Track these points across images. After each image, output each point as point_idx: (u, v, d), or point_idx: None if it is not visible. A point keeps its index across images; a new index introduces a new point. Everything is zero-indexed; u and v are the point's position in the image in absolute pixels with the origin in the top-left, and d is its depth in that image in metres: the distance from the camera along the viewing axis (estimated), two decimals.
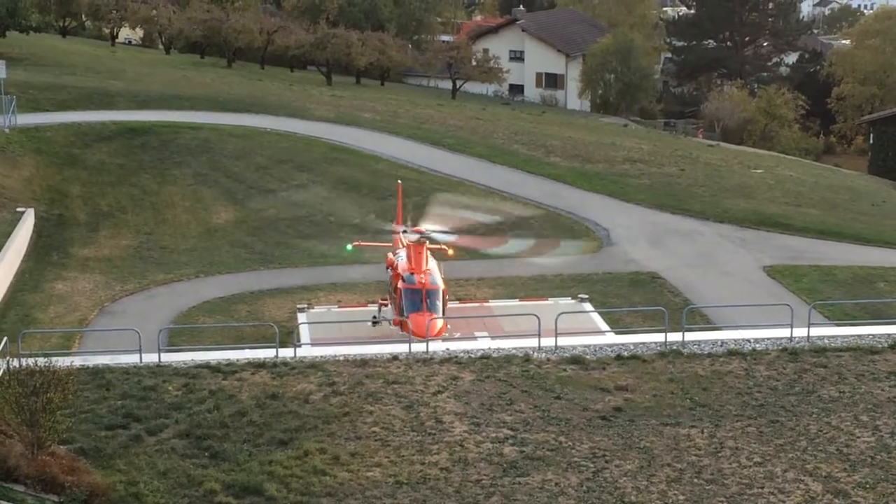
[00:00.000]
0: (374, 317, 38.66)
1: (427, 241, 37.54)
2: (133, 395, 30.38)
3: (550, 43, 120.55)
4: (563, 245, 50.18)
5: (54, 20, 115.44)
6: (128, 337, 34.41)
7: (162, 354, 33.36)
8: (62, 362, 27.96)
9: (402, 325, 35.72)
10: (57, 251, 47.69)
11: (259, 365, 32.58)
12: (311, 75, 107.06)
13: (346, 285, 43.80)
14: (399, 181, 44.89)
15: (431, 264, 37.08)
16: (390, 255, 39.26)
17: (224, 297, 42.37)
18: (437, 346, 34.35)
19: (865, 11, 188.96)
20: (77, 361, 31.95)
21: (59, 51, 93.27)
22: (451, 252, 39.22)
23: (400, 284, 36.08)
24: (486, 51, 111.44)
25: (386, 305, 38.27)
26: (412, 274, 36.10)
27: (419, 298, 35.54)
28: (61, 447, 27.15)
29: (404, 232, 38.68)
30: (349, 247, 42.38)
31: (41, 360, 27.04)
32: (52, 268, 45.56)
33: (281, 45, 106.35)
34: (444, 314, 35.95)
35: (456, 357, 33.48)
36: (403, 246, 38.44)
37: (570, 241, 50.54)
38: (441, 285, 36.36)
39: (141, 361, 32.81)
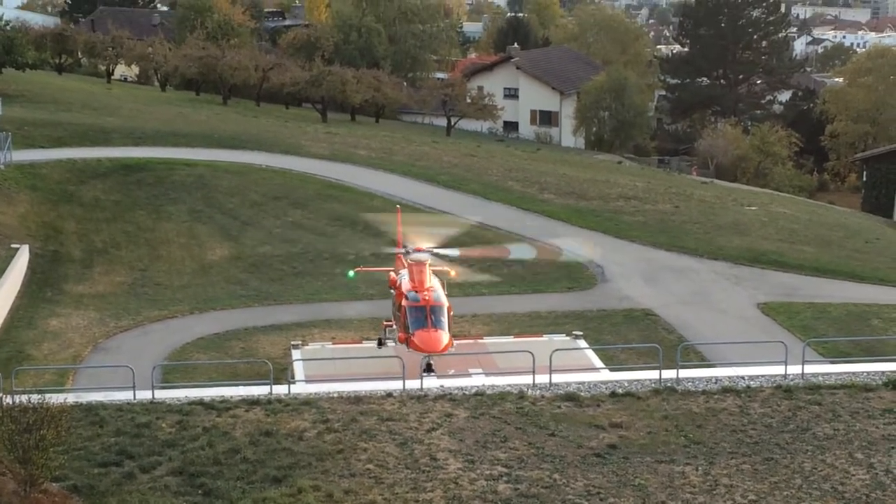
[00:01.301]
0: (380, 338, 38.92)
1: (429, 260, 37.62)
2: (126, 432, 30.29)
3: (545, 80, 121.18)
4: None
5: (50, 57, 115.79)
6: (121, 373, 34.36)
7: (156, 391, 33.26)
8: (55, 399, 27.88)
9: (407, 341, 35.76)
10: (51, 288, 47.66)
11: (253, 402, 32.50)
12: (306, 112, 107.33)
13: (340, 322, 43.80)
14: (398, 206, 44.90)
15: (434, 282, 37.17)
16: (393, 274, 39.33)
17: (218, 333, 42.33)
18: (431, 383, 34.34)
19: (858, 50, 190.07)
20: (70, 398, 31.86)
21: (54, 88, 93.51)
22: (454, 273, 39.29)
23: (404, 302, 36.13)
24: (480, 88, 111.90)
25: (391, 326, 38.42)
26: (415, 291, 36.17)
27: (423, 315, 35.57)
28: (54, 484, 27.03)
29: (406, 252, 38.79)
30: (351, 273, 42.63)
31: (34, 397, 26.96)
32: (46, 304, 45.52)
33: (276, 82, 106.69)
34: (449, 330, 36.02)
35: (450, 394, 33.45)
36: (406, 266, 38.59)
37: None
38: (445, 302, 36.40)
39: (134, 398, 32.74)
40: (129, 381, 32.97)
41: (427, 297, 35.92)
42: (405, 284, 36.94)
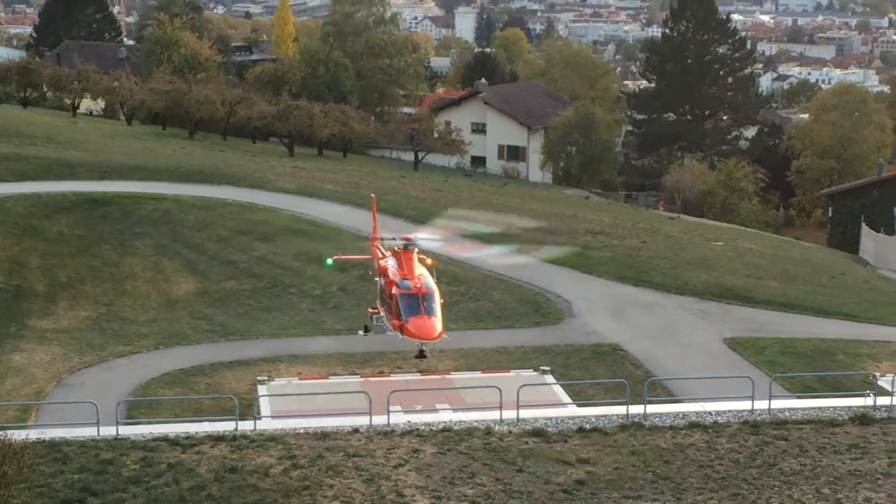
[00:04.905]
0: (366, 326, 39.84)
1: (416, 248, 37.94)
2: (90, 469, 29.99)
3: (512, 115, 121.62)
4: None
5: (15, 91, 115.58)
6: (85, 409, 34.02)
7: (120, 427, 32.99)
8: (18, 435, 27.61)
9: (401, 329, 36.22)
10: (14, 322, 47.26)
11: (218, 438, 32.27)
12: (273, 146, 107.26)
13: (306, 357, 43.56)
14: (372, 195, 44.73)
15: (423, 270, 37.61)
16: (382, 262, 39.49)
17: (184, 368, 42.02)
18: (398, 419, 34.22)
19: (823, 86, 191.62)
20: (33, 434, 31.57)
21: (19, 121, 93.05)
22: (430, 261, 39.48)
23: (394, 290, 36.57)
24: (448, 123, 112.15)
25: (378, 314, 38.73)
26: (406, 279, 36.50)
27: (416, 302, 36.13)
28: None
29: (393, 239, 39.11)
30: (329, 261, 43.33)
31: None
32: (10, 339, 45.11)
33: (243, 116, 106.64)
34: (442, 318, 36.57)
35: (417, 429, 33.31)
36: (383, 255, 39.36)
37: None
38: (436, 289, 36.92)
39: (98, 434, 32.44)
40: (92, 417, 32.67)
41: (418, 285, 36.50)
42: (395, 272, 37.19)
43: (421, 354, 36.34)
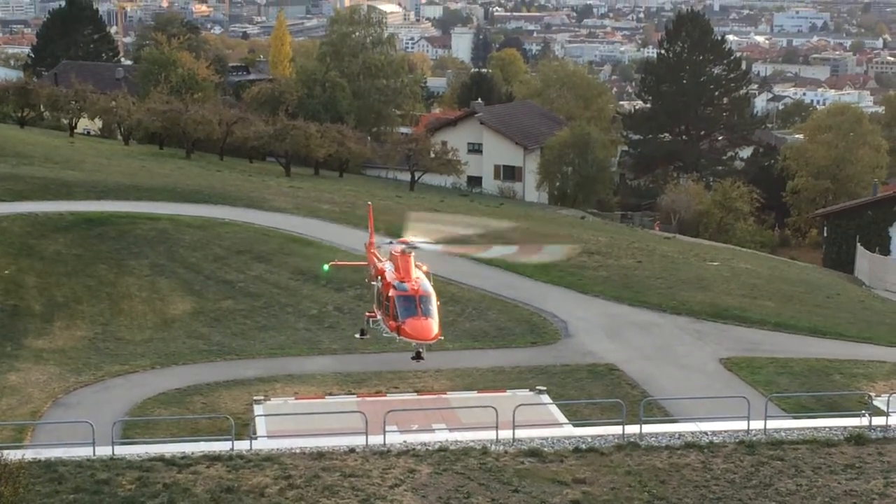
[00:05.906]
0: (362, 329, 40.71)
1: (413, 252, 38.30)
2: (86, 489, 29.99)
3: (508, 135, 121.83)
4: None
5: (12, 111, 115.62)
6: (81, 429, 34.03)
7: (116, 447, 33.01)
8: (13, 455, 27.61)
9: (398, 330, 36.83)
10: (11, 342, 47.24)
11: (214, 458, 32.28)
12: (269, 166, 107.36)
13: (303, 377, 43.57)
14: (369, 202, 45.68)
15: (419, 273, 38.13)
16: (379, 265, 39.81)
17: (180, 388, 42.01)
18: (394, 439, 34.25)
19: (818, 107, 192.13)
20: (29, 454, 31.59)
21: (16, 141, 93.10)
22: (425, 268, 39.70)
23: (391, 292, 37.19)
24: (444, 143, 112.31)
25: (374, 318, 39.38)
26: (403, 282, 37.09)
27: (413, 304, 36.68)
28: None
29: (390, 243, 39.47)
30: (326, 267, 43.98)
31: None
32: (6, 359, 45.10)
33: (240, 136, 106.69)
34: (439, 320, 37.09)
35: (413, 449, 33.34)
36: (380, 260, 40.04)
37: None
38: (433, 292, 37.41)
39: (94, 454, 32.46)
40: (88, 437, 32.68)
41: (415, 287, 37.08)
42: (392, 275, 37.54)
43: (418, 356, 36.79)
